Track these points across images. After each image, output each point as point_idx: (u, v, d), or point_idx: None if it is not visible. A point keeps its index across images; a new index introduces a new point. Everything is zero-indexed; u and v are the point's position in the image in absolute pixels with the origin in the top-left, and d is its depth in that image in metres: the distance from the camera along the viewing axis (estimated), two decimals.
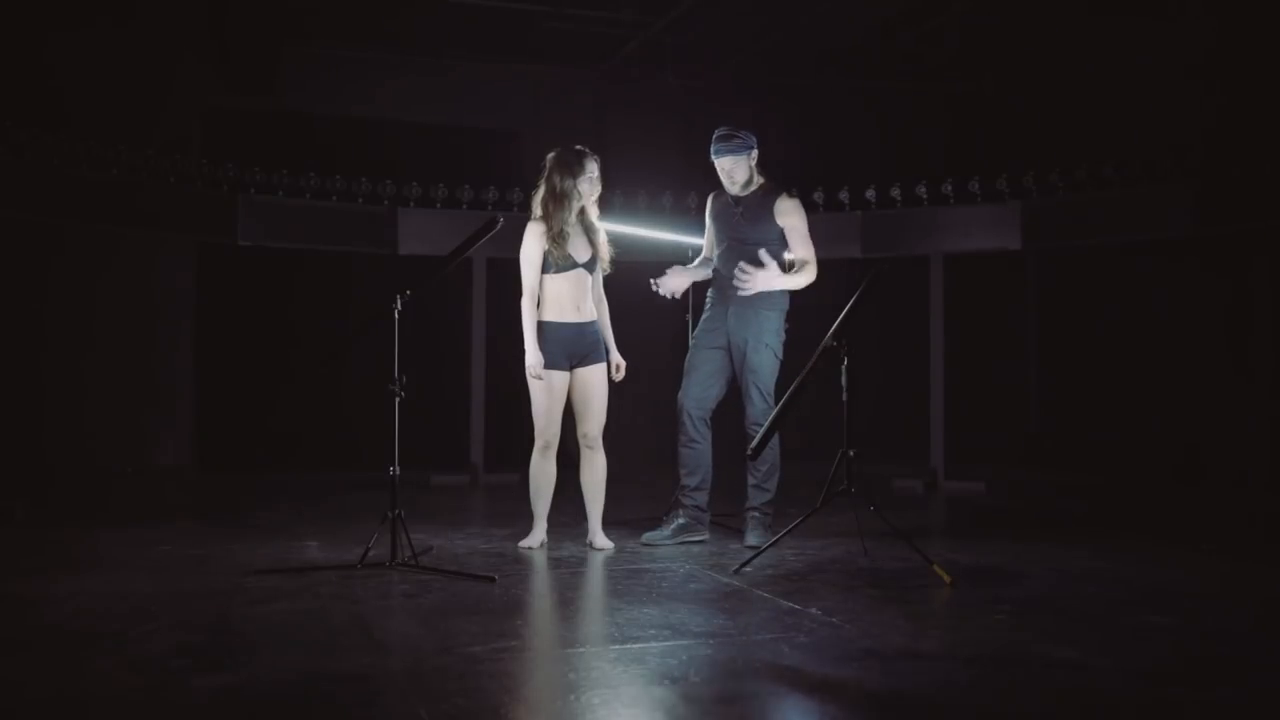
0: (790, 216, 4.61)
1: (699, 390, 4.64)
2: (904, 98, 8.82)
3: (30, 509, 5.43)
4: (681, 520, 4.63)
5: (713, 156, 4.66)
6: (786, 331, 4.65)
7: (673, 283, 4.75)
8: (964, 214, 7.23)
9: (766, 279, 4.48)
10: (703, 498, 4.66)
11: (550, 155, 4.46)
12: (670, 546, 4.53)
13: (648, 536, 4.62)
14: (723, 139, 4.63)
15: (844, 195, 7.39)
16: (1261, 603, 3.61)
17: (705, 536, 4.66)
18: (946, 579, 3.68)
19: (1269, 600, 3.66)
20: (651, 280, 4.73)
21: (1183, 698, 2.45)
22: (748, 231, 4.61)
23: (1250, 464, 6.81)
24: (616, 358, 4.54)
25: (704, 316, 4.74)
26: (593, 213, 4.49)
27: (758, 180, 4.68)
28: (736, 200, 4.68)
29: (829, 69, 8.59)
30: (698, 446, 4.63)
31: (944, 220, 7.27)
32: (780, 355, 4.62)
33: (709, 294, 4.77)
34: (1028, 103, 8.44)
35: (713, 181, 4.77)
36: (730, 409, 4.75)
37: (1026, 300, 8.88)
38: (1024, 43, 8.00)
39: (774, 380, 4.58)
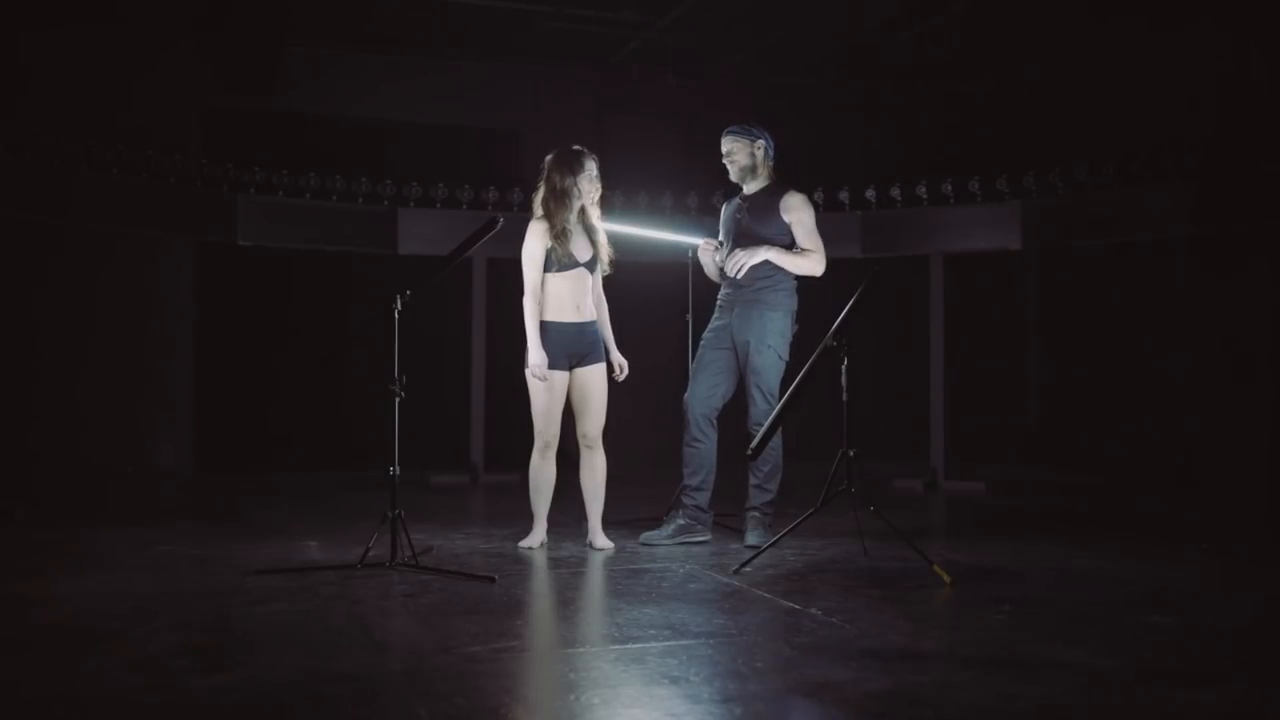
0: (797, 211, 4.63)
1: (705, 390, 4.64)
2: (904, 98, 8.82)
3: (30, 509, 5.43)
4: (681, 520, 4.62)
5: (721, 141, 4.74)
6: (794, 333, 4.66)
7: (704, 254, 4.80)
8: (964, 214, 7.23)
9: (753, 253, 4.50)
10: (703, 498, 4.65)
11: (549, 156, 4.47)
12: (669, 546, 4.53)
13: (646, 536, 4.61)
14: (732, 124, 4.73)
15: (844, 195, 7.39)
16: (1261, 603, 3.61)
17: (706, 538, 4.65)
18: (946, 579, 3.68)
19: (1269, 600, 3.66)
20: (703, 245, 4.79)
21: (1183, 698, 2.45)
22: (755, 228, 4.63)
23: (1250, 464, 6.81)
24: (618, 358, 4.54)
25: (713, 317, 4.75)
26: (594, 213, 4.49)
27: (766, 177, 4.71)
28: (746, 199, 4.71)
29: (829, 69, 8.59)
30: (701, 446, 4.63)
31: (944, 220, 7.27)
32: (785, 356, 4.61)
33: (719, 296, 4.78)
34: (1028, 103, 8.44)
35: (714, 180, 4.79)
36: (732, 409, 4.74)
37: (1026, 300, 8.88)
38: (1024, 43, 8.00)
39: (778, 381, 4.58)
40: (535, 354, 4.32)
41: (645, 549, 4.48)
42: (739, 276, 4.54)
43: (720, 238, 4.82)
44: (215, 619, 3.16)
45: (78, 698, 2.41)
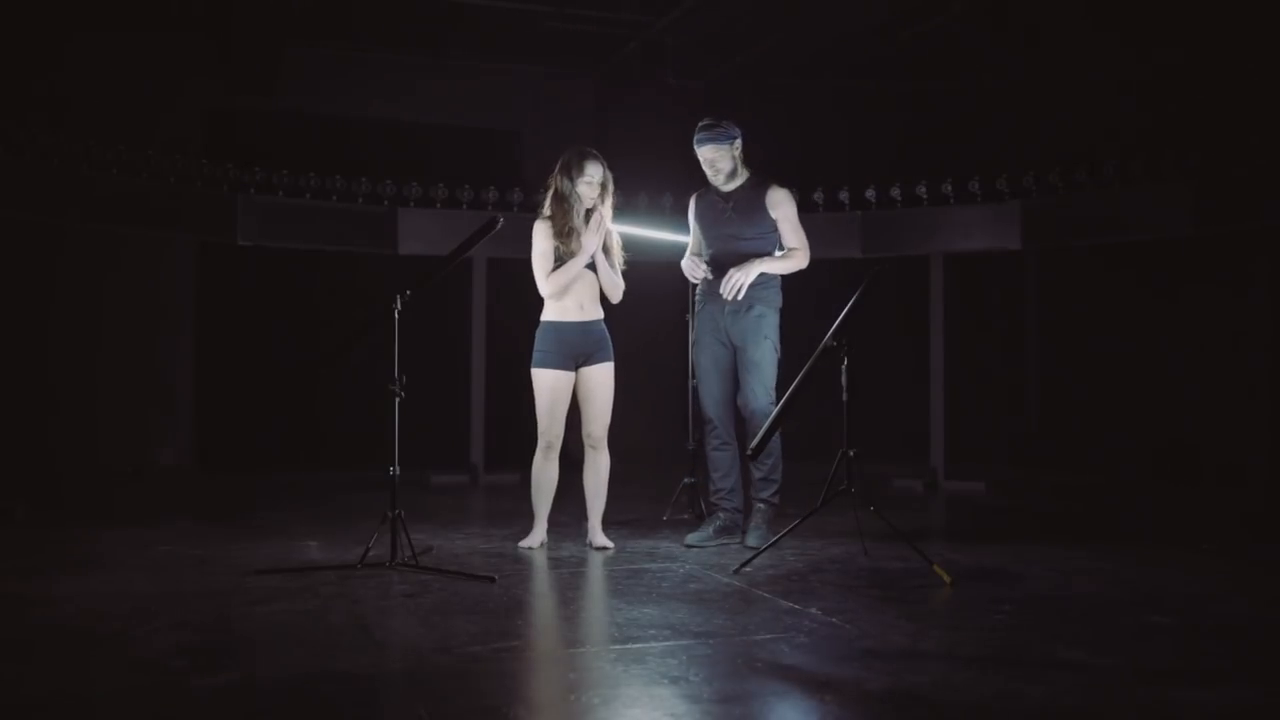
0: (782, 206, 4.60)
1: (721, 392, 4.63)
2: (904, 97, 8.82)
3: (31, 509, 5.43)
4: (721, 521, 4.62)
5: (695, 146, 4.62)
6: (781, 328, 4.65)
7: (694, 272, 4.74)
8: (964, 214, 7.23)
9: (747, 271, 4.46)
10: (739, 499, 4.66)
11: (562, 155, 4.48)
12: (674, 547, 4.53)
13: (691, 538, 4.58)
14: (705, 128, 4.59)
15: (844, 195, 7.39)
16: (1261, 603, 3.61)
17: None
18: (946, 579, 3.68)
19: (1269, 600, 3.66)
20: (688, 273, 4.74)
21: (1183, 698, 2.45)
22: (741, 227, 4.60)
23: (1249, 464, 6.81)
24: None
25: (700, 317, 4.72)
26: (606, 215, 4.46)
27: (744, 174, 4.65)
28: (726, 196, 4.65)
29: (829, 69, 8.59)
30: (730, 449, 4.64)
31: (944, 220, 7.27)
32: (779, 348, 4.61)
33: (699, 293, 4.75)
34: (1027, 102, 8.44)
35: (706, 183, 4.74)
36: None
37: (1026, 300, 8.88)
38: (1023, 42, 7.99)
39: (775, 373, 4.58)
40: (590, 237, 4.33)
41: (645, 549, 4.48)
42: (739, 298, 4.48)
43: (695, 235, 4.77)
44: (215, 619, 3.16)
45: (78, 698, 2.41)
